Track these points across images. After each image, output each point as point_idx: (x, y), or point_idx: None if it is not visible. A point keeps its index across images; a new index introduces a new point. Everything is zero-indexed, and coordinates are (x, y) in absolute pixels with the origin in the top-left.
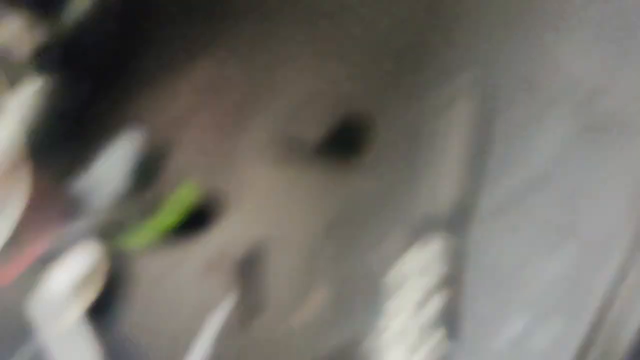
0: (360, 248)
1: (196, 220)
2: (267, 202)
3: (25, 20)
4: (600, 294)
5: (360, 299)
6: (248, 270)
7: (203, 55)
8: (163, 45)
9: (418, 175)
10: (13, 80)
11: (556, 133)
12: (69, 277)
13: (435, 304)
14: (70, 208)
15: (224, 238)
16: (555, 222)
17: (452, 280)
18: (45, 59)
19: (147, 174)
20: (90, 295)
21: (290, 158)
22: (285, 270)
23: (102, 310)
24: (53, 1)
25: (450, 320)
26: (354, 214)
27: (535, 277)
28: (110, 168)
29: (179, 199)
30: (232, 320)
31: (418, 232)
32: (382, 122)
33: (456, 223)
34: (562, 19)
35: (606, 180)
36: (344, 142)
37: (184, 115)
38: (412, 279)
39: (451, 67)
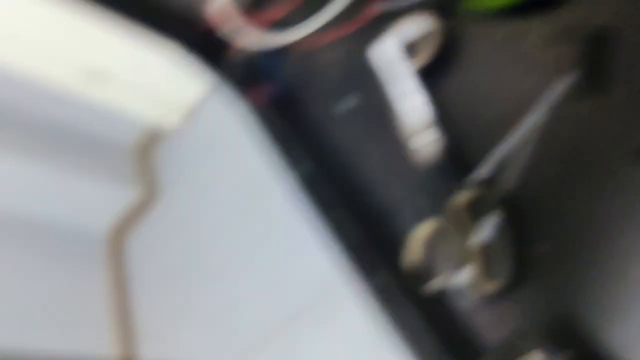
0: None
1: None
2: None
3: None
4: None
5: None
6: (595, 48)
7: None
8: None
9: None
10: None
11: None
12: (405, 36)
13: None
14: None
15: (573, 16)
16: None
17: None
18: None
19: None
20: (425, 57)
21: None
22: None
23: (437, 73)
24: None
25: None
26: None
27: None
28: None
29: None
30: (572, 92)
31: None
32: None
33: None
34: None
35: None
36: None
37: None
38: None
39: None
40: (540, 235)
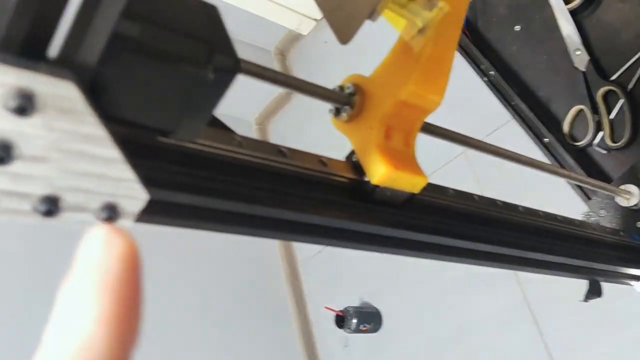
0: None
1: None
2: None
3: None
4: None
5: None
6: None
7: None
8: None
9: None
10: None
11: None
12: None
13: None
14: None
15: None
16: None
17: None
18: None
19: None
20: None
21: None
22: None
23: (586, 9)
24: None
25: None
26: None
27: None
28: None
29: None
30: None
31: None
32: None
33: None
34: None
35: None
36: None
37: None
38: None
39: None
40: None
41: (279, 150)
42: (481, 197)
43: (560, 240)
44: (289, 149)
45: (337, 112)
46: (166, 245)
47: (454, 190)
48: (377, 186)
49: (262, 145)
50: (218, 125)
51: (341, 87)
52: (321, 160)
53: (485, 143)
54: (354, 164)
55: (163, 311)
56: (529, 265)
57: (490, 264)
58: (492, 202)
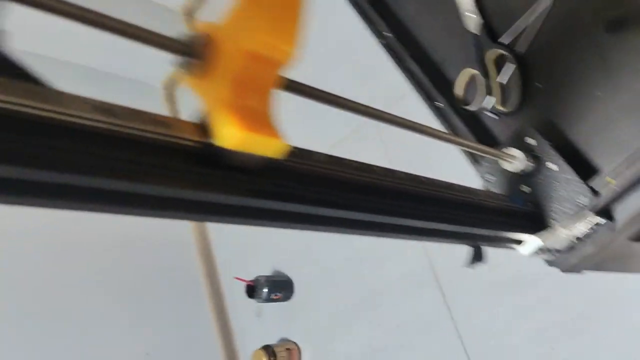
0: None
1: None
2: None
3: None
4: None
5: None
6: None
7: None
8: None
9: None
10: None
11: None
12: None
13: None
14: None
15: None
16: None
17: None
18: None
19: None
20: None
21: None
22: None
23: None
24: None
25: None
26: None
27: None
28: None
29: None
30: None
31: None
32: None
33: None
34: None
35: None
36: None
37: None
38: None
39: None
40: (538, 77)
41: (104, 108)
42: (361, 164)
43: (438, 207)
44: (119, 107)
45: (186, 67)
46: (70, 217)
47: (325, 155)
48: (227, 150)
49: (76, 102)
50: (25, 77)
51: (189, 37)
52: (159, 120)
53: (361, 105)
54: (203, 126)
55: (71, 285)
56: (405, 232)
57: (362, 232)
58: (368, 167)
